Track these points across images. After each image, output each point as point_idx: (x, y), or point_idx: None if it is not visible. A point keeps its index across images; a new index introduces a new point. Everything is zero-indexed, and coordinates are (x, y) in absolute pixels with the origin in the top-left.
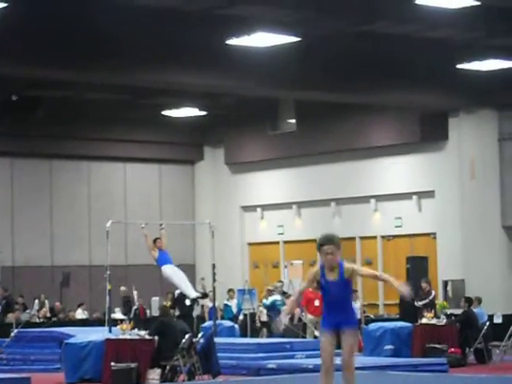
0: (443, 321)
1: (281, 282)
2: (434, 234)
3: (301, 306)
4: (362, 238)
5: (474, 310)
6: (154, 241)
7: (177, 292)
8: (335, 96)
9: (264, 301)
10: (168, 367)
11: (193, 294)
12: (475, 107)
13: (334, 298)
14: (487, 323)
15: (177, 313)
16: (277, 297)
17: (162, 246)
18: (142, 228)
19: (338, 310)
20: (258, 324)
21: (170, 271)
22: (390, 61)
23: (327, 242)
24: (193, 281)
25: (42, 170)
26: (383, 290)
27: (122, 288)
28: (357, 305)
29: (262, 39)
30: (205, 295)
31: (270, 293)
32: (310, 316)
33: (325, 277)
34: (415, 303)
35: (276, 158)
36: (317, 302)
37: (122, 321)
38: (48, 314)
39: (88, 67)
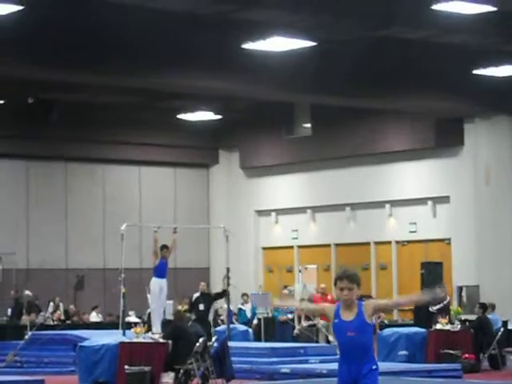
0: (457, 326)
1: (286, 286)
2: (449, 239)
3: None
4: (376, 243)
5: (489, 316)
6: (162, 248)
7: (195, 296)
8: (351, 101)
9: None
10: (182, 371)
11: (155, 328)
12: (491, 113)
13: (350, 343)
14: (501, 329)
15: (193, 317)
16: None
17: (168, 255)
18: (154, 232)
19: (354, 359)
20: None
21: (157, 290)
22: (405, 66)
23: (344, 277)
24: (208, 284)
25: (57, 173)
26: (397, 295)
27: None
28: None
29: (277, 43)
30: (223, 293)
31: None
32: (322, 321)
33: (340, 316)
34: (429, 308)
35: (291, 162)
36: None
37: (136, 324)
38: (62, 317)
39: (104, 70)
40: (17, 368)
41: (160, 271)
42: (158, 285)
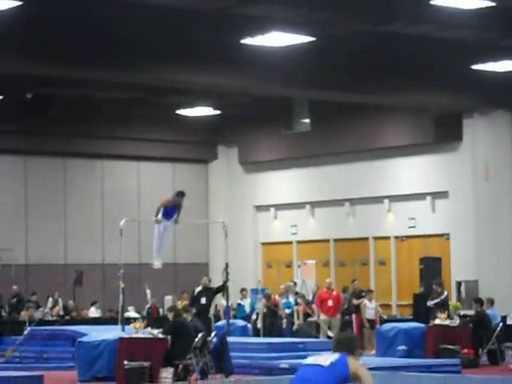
0: (456, 322)
1: (294, 282)
2: (448, 234)
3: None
4: (375, 238)
5: (487, 311)
6: (177, 194)
7: (197, 290)
8: (350, 96)
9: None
10: (181, 366)
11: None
12: (489, 108)
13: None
14: (500, 324)
15: (194, 311)
16: (290, 299)
17: (169, 205)
18: (154, 221)
19: None
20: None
21: (161, 228)
22: (404, 61)
23: (336, 347)
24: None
25: (55, 169)
26: (396, 290)
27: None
28: (372, 305)
29: (276, 39)
30: (224, 286)
31: (285, 295)
32: (323, 316)
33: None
34: (427, 303)
35: (290, 157)
36: (330, 302)
37: (135, 319)
38: (61, 312)
39: (102, 65)
40: (16, 363)
41: (165, 215)
42: (157, 228)
